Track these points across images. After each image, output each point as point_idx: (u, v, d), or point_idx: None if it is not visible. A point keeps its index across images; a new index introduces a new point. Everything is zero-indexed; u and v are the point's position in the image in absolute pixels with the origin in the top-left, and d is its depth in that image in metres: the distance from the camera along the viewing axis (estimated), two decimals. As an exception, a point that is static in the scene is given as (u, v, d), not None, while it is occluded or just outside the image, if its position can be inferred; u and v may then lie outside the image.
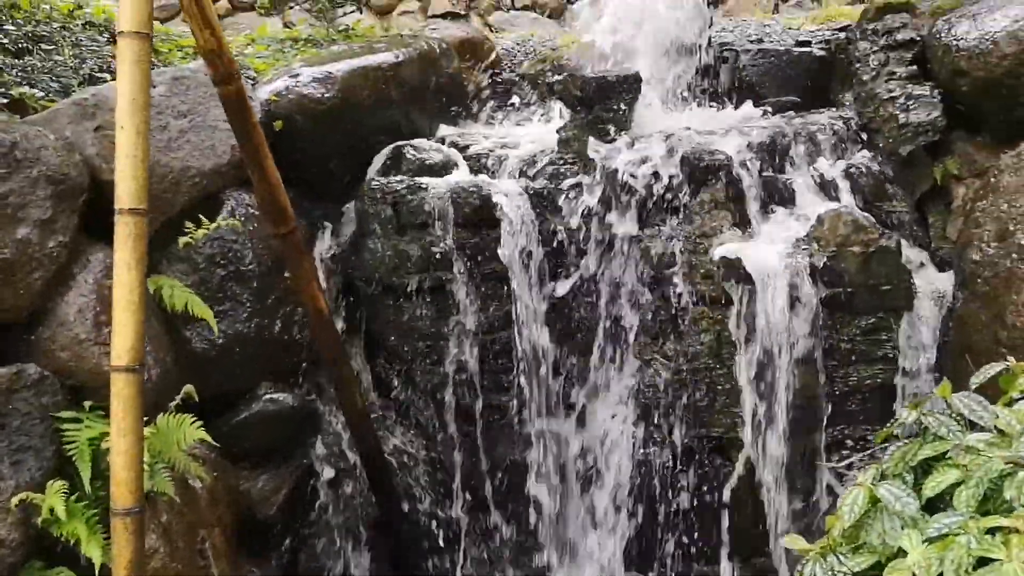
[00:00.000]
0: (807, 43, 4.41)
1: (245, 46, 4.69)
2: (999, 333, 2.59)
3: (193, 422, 2.76)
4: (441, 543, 3.79)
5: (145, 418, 2.35)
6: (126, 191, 2.31)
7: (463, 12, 7.43)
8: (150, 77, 2.41)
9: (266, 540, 3.51)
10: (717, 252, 3.35)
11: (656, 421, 3.51)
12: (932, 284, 3.25)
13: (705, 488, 3.50)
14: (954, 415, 2.11)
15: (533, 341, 3.69)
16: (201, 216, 3.18)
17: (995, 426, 2.03)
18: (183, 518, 2.78)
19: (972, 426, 2.06)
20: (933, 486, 1.99)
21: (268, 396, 3.48)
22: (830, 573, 2.01)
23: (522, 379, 3.72)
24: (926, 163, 3.48)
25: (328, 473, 3.62)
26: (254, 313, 3.46)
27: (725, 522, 3.50)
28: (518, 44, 5.17)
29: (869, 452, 2.31)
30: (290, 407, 3.50)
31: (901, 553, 1.91)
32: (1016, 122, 3.22)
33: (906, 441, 2.17)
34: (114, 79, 3.03)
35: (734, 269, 3.30)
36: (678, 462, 3.51)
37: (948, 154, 3.44)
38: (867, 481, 2.08)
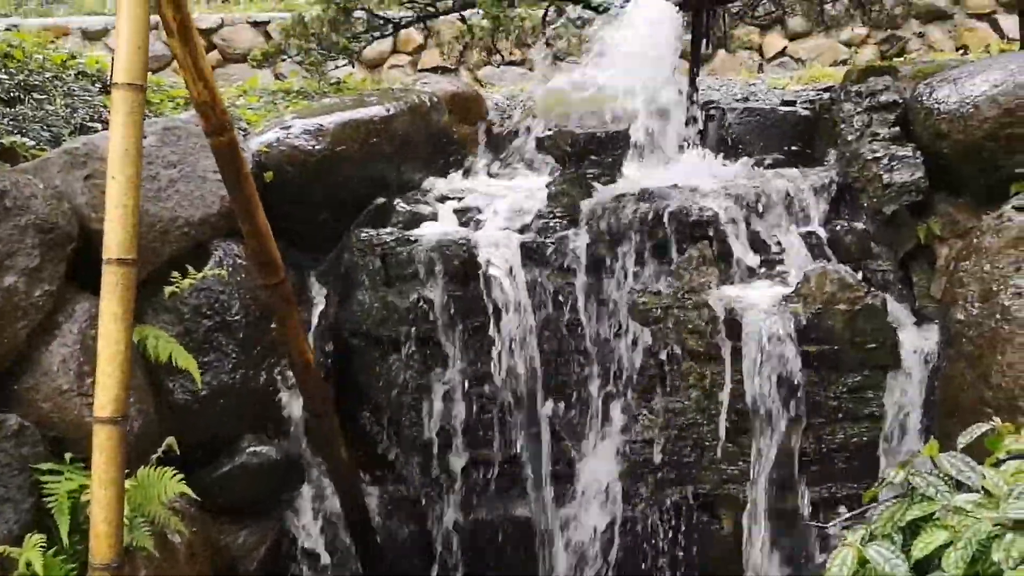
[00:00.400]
0: (792, 103, 4.49)
1: (237, 97, 4.73)
2: (985, 393, 2.60)
3: (174, 475, 2.72)
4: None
5: (126, 470, 2.32)
6: (115, 241, 2.30)
7: (453, 66, 7.53)
8: (143, 128, 2.42)
9: (246, 596, 3.46)
10: (705, 308, 3.36)
11: (644, 477, 3.50)
12: (918, 342, 3.27)
13: (692, 545, 3.47)
14: (942, 475, 2.11)
15: (520, 395, 3.67)
16: (188, 266, 3.18)
17: (983, 487, 2.03)
18: (162, 573, 2.73)
19: (959, 486, 2.06)
20: (922, 547, 1.98)
21: (251, 448, 3.44)
22: (819, 635, 1.98)
23: (509, 433, 3.71)
24: (910, 223, 3.52)
25: (311, 527, 3.58)
26: (239, 364, 3.44)
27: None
28: (508, 99, 5.23)
29: (856, 512, 2.29)
30: (273, 460, 3.46)
31: (890, 615, 1.89)
32: (997, 184, 3.27)
33: (894, 501, 2.17)
34: (105, 128, 3.06)
35: (723, 324, 3.31)
36: (665, 518, 3.49)
37: (931, 214, 3.49)
38: (856, 541, 2.07)
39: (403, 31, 7.33)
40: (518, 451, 3.72)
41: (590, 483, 3.61)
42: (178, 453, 2.81)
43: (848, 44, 8.09)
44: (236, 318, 3.44)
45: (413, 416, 3.74)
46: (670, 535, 3.50)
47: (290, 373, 3.41)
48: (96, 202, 2.97)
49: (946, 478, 2.09)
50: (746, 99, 4.73)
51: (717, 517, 3.49)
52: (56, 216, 2.88)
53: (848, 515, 2.36)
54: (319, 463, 3.59)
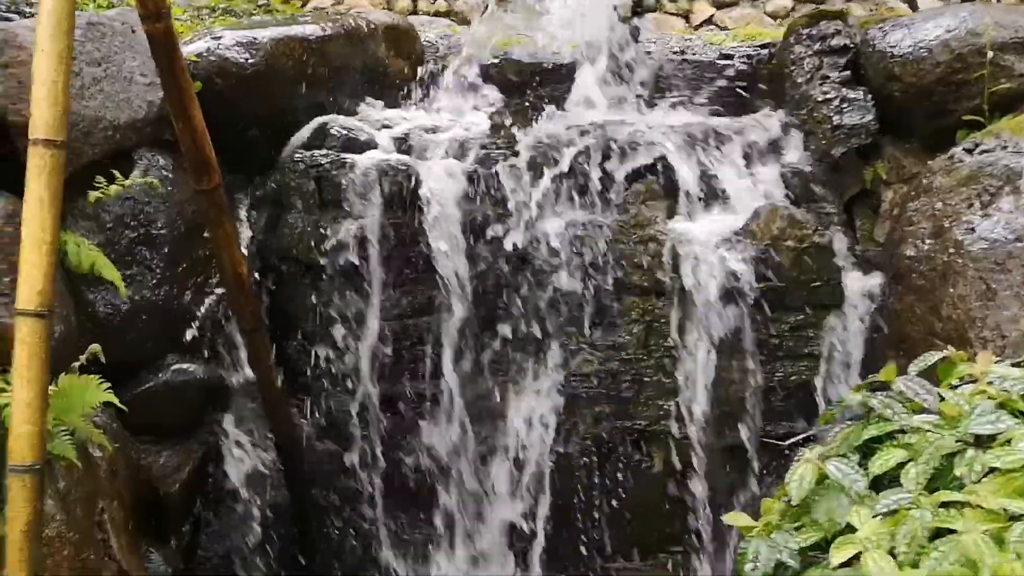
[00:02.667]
0: (730, 56, 4.48)
1: (161, 9, 4.46)
2: (935, 325, 2.64)
3: (100, 383, 2.53)
4: (351, 532, 3.62)
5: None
6: (42, 119, 2.12)
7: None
8: (75, 5, 2.23)
9: (166, 519, 3.29)
10: (651, 242, 3.32)
11: (580, 412, 3.45)
12: (860, 282, 3.30)
13: (625, 479, 3.45)
14: (898, 398, 2.11)
15: (456, 327, 3.58)
16: (115, 172, 2.97)
17: (940, 409, 2.03)
18: (82, 487, 2.54)
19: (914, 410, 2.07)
20: (880, 464, 1.97)
21: (176, 366, 3.27)
22: (777, 550, 1.96)
23: (443, 367, 3.61)
24: (856, 166, 3.55)
25: (236, 451, 3.42)
26: (163, 280, 3.25)
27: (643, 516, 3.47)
28: (441, 38, 5.10)
29: (810, 433, 2.29)
30: (199, 378, 3.29)
31: (849, 529, 1.88)
32: (945, 129, 3.32)
33: (849, 423, 2.17)
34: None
35: (669, 259, 3.28)
36: (599, 454, 3.46)
37: (878, 158, 3.52)
38: (814, 458, 2.06)
39: (332, -33, 7.07)
40: (449, 385, 3.63)
41: (526, 416, 3.55)
42: (103, 361, 2.61)
43: (773, 16, 8.16)
44: (162, 232, 3.24)
45: (343, 345, 3.61)
46: (605, 470, 3.48)
47: (218, 291, 3.24)
48: (13, 92, 2.75)
49: (903, 400, 2.09)
50: (683, 52, 4.71)
51: (650, 454, 3.47)
52: (-33, 105, 2.64)
53: (802, 435, 2.36)
54: (245, 384, 3.42)
